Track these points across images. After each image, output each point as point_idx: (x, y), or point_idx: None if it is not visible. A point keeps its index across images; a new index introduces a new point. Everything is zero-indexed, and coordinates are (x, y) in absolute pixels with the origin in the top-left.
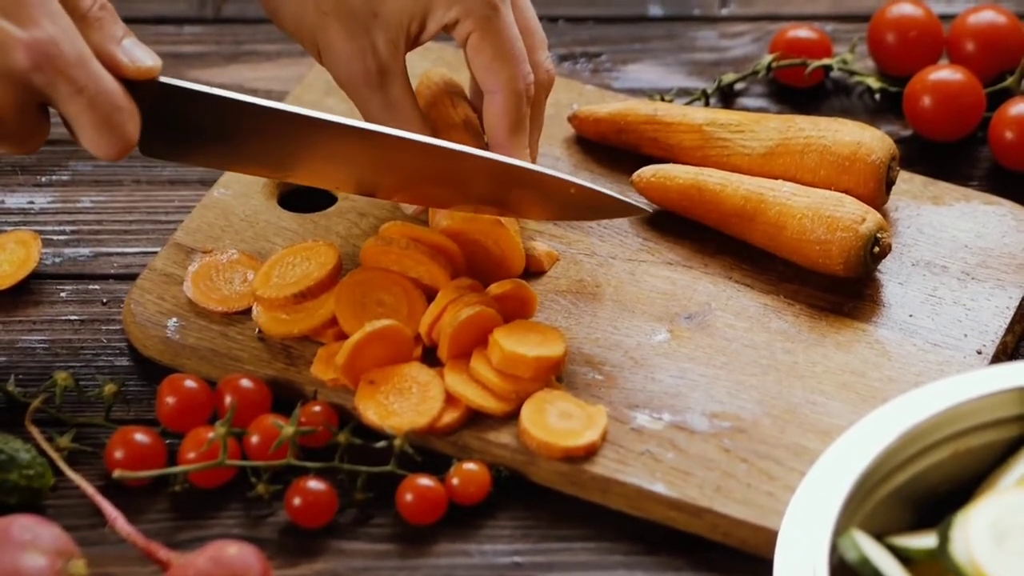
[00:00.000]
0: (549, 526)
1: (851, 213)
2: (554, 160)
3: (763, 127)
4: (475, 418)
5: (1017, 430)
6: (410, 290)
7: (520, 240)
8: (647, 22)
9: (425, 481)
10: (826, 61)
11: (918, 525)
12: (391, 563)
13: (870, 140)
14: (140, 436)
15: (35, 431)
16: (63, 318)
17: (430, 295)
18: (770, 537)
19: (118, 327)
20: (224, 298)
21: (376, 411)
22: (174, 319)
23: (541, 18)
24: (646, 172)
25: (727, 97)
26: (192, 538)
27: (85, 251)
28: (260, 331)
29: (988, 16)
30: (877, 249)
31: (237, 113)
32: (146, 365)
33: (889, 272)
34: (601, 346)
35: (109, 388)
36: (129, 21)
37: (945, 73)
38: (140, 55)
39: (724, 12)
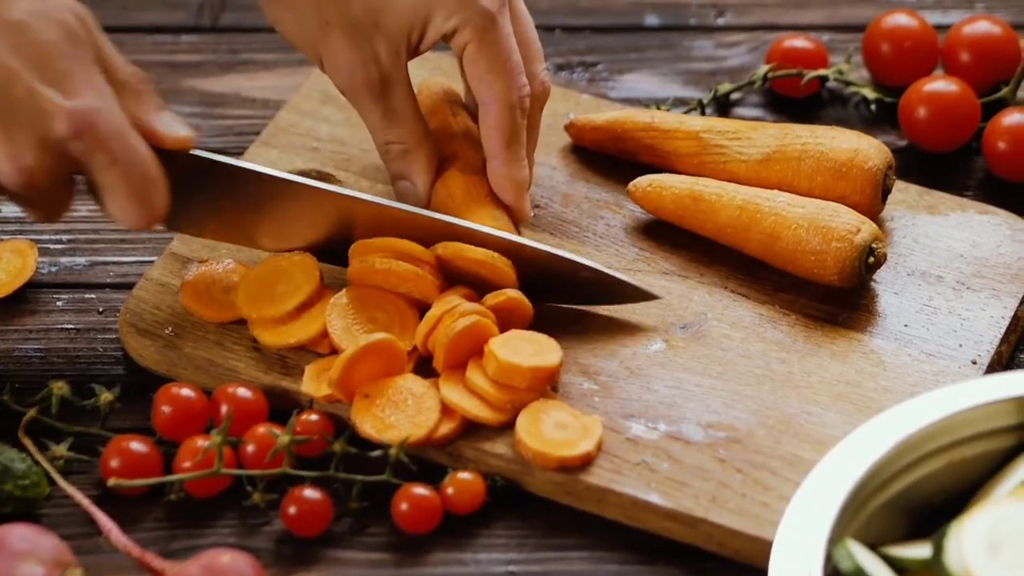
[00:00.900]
0: (544, 535)
1: (846, 223)
2: (551, 169)
3: (760, 134)
4: (470, 428)
5: (1012, 440)
6: (401, 306)
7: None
8: (643, 32)
9: (420, 490)
10: (822, 72)
11: (913, 535)
12: (386, 572)
13: (867, 147)
14: (136, 445)
15: (28, 442)
16: (59, 327)
17: (423, 309)
18: (765, 547)
19: (114, 336)
20: (220, 308)
21: (373, 424)
22: (170, 328)
23: (538, 27)
24: (642, 182)
25: (723, 107)
26: (187, 547)
27: (81, 260)
28: (256, 341)
29: (983, 27)
30: (872, 259)
31: (268, 187)
32: (142, 374)
33: (884, 282)
34: (597, 356)
35: (105, 397)
36: (126, 30)
37: (940, 84)
38: (177, 126)
39: (720, 22)
